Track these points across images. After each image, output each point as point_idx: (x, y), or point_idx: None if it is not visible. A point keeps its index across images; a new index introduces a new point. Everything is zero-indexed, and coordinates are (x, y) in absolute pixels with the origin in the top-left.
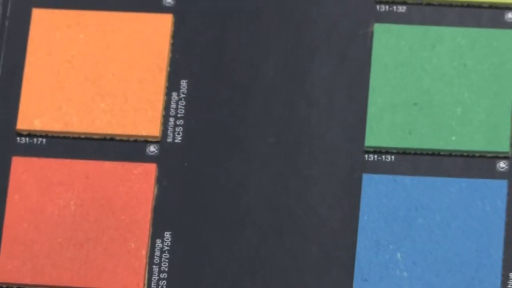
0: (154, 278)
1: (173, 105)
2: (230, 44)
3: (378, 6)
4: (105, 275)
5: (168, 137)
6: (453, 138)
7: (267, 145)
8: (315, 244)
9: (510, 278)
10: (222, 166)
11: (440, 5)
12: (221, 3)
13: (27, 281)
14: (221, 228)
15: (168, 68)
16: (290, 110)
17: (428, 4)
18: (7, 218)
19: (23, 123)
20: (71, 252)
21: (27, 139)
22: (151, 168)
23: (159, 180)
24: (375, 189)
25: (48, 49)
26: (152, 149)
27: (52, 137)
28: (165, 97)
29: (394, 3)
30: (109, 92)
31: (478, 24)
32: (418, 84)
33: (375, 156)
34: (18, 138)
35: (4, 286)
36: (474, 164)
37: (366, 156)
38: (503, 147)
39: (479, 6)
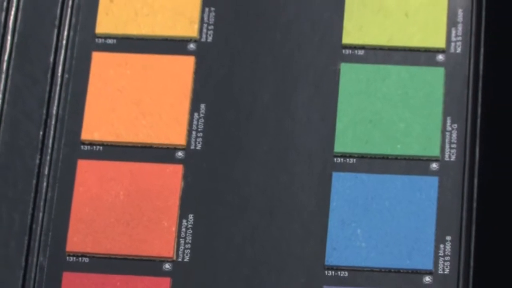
0: (181, 248)
1: (195, 122)
2: (236, 78)
3: (343, 50)
4: (145, 246)
5: (191, 145)
6: (398, 146)
7: (263, 151)
8: (298, 223)
9: (440, 248)
10: (230, 166)
11: (389, 49)
12: (230, 50)
13: (88, 250)
14: (230, 211)
15: (191, 95)
16: (279, 125)
17: (380, 49)
18: (74, 204)
19: (86, 135)
20: (120, 229)
21: (89, 147)
22: (179, 168)
23: (185, 177)
24: (342, 183)
25: (104, 81)
26: (179, 154)
27: (107, 145)
28: (189, 117)
29: (355, 48)
30: (149, 113)
31: (417, 63)
32: (373, 107)
33: (342, 159)
34: (82, 146)
35: (71, 254)
36: (414, 165)
37: (335, 159)
38: (435, 153)
39: (417, 50)
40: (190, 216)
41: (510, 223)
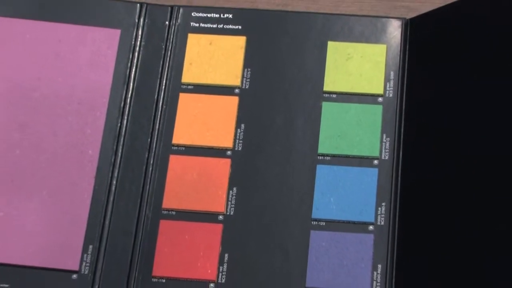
0: (229, 207)
1: (238, 134)
2: (262, 110)
3: (324, 94)
4: (207, 204)
5: (236, 147)
6: (355, 150)
7: (276, 152)
8: (296, 194)
9: (379, 210)
10: (258, 161)
11: (350, 94)
12: (259, 94)
13: (175, 207)
14: (257, 187)
15: (236, 119)
16: (287, 137)
17: (345, 94)
18: (167, 181)
19: (175, 140)
20: (193, 194)
21: (177, 147)
22: (228, 161)
23: (232, 166)
24: (322, 172)
25: (186, 110)
26: (228, 152)
27: (187, 147)
28: (235, 131)
29: (331, 93)
30: (211, 129)
31: (366, 102)
32: (340, 128)
33: (322, 157)
34: (173, 147)
35: (165, 209)
36: (364, 161)
37: (318, 157)
38: (376, 154)
39: (367, 95)
40: (234, 189)
41: (420, 196)
